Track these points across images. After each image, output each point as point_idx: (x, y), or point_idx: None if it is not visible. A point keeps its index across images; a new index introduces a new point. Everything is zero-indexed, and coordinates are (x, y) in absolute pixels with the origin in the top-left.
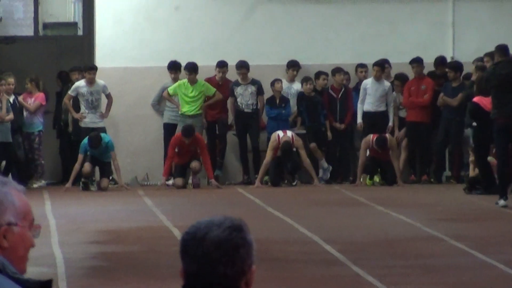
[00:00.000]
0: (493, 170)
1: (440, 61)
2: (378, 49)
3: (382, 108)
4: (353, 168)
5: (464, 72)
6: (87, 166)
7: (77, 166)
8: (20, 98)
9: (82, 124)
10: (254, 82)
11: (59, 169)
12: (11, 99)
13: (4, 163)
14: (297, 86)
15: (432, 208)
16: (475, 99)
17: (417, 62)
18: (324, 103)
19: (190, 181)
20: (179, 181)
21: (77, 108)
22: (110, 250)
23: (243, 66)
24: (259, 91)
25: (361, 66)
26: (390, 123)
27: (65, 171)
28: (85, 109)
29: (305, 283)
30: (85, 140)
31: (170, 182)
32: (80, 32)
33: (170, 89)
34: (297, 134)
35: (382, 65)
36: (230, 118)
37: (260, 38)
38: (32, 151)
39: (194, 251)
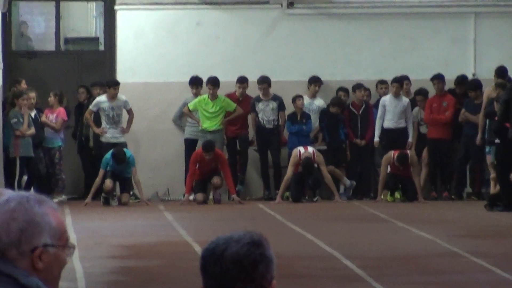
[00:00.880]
0: None
1: (461, 80)
2: (399, 65)
3: (402, 125)
4: (374, 184)
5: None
6: (108, 182)
7: (97, 180)
8: (44, 117)
9: (103, 139)
10: (276, 98)
11: (81, 183)
12: (33, 114)
13: (26, 177)
14: (318, 102)
15: (453, 224)
16: None
17: (438, 78)
18: (345, 120)
19: (211, 196)
20: (200, 196)
21: (98, 123)
22: (130, 264)
23: (264, 82)
24: (281, 107)
25: (382, 82)
26: (410, 139)
27: (87, 186)
28: (106, 124)
29: None
30: (108, 155)
31: (191, 197)
32: (101, 47)
33: (190, 105)
34: (318, 150)
35: (401, 82)
36: (250, 134)
37: (281, 54)
38: (53, 165)
39: (213, 268)
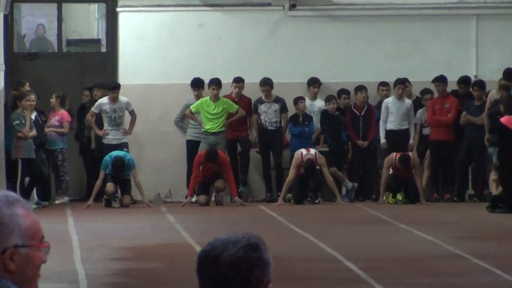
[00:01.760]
0: None
1: (464, 81)
2: (401, 67)
3: (405, 126)
4: (376, 186)
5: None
6: (110, 186)
7: (98, 182)
8: (48, 121)
9: (105, 141)
10: (278, 99)
11: (83, 185)
12: (33, 115)
13: (27, 179)
14: (319, 103)
15: (455, 226)
16: (503, 119)
17: (440, 80)
18: (347, 121)
19: (213, 198)
20: (202, 198)
21: (100, 125)
22: (133, 266)
23: (267, 83)
24: (283, 108)
25: (383, 84)
26: (411, 141)
27: (89, 188)
28: (108, 125)
29: None
30: (107, 157)
31: (193, 199)
32: (103, 49)
33: (193, 107)
34: (320, 152)
35: (404, 84)
36: (250, 135)
37: (283, 56)
38: (56, 167)
39: (209, 270)
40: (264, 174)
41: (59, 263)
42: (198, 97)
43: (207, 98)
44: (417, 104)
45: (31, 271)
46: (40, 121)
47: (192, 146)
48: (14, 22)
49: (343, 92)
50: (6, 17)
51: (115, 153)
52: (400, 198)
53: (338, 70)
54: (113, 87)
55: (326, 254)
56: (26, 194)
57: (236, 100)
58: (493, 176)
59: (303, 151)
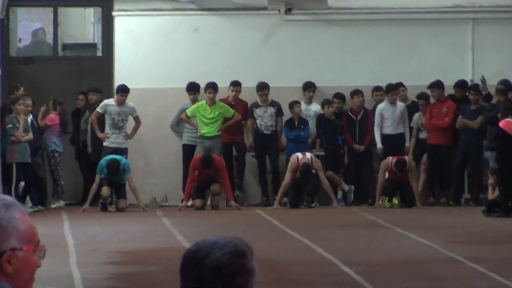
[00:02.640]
0: None
1: (460, 85)
2: (397, 71)
3: (401, 130)
4: (372, 190)
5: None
6: (105, 190)
7: (94, 187)
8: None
9: (105, 143)
10: (274, 103)
11: (79, 189)
12: (29, 119)
13: (22, 183)
14: (315, 107)
15: (451, 230)
16: (501, 123)
17: (434, 86)
18: (343, 125)
19: (209, 202)
20: (198, 202)
21: (101, 127)
22: (128, 270)
23: (265, 87)
24: (279, 112)
25: (377, 89)
26: (407, 144)
27: (85, 192)
28: (110, 128)
29: None
30: (103, 161)
31: (189, 203)
32: (99, 53)
33: (189, 111)
34: (316, 156)
35: (397, 89)
36: (245, 139)
37: (278, 60)
38: (51, 171)
39: (192, 271)
40: (260, 178)
41: (55, 267)
42: (193, 101)
43: (203, 102)
44: (414, 108)
45: (28, 275)
46: (36, 125)
47: (188, 150)
48: (10, 26)
49: (336, 96)
50: (1, 21)
51: (110, 156)
52: (396, 202)
53: (333, 74)
54: (123, 90)
55: (322, 258)
56: (21, 199)
57: (232, 103)
58: (489, 180)
59: (299, 155)
